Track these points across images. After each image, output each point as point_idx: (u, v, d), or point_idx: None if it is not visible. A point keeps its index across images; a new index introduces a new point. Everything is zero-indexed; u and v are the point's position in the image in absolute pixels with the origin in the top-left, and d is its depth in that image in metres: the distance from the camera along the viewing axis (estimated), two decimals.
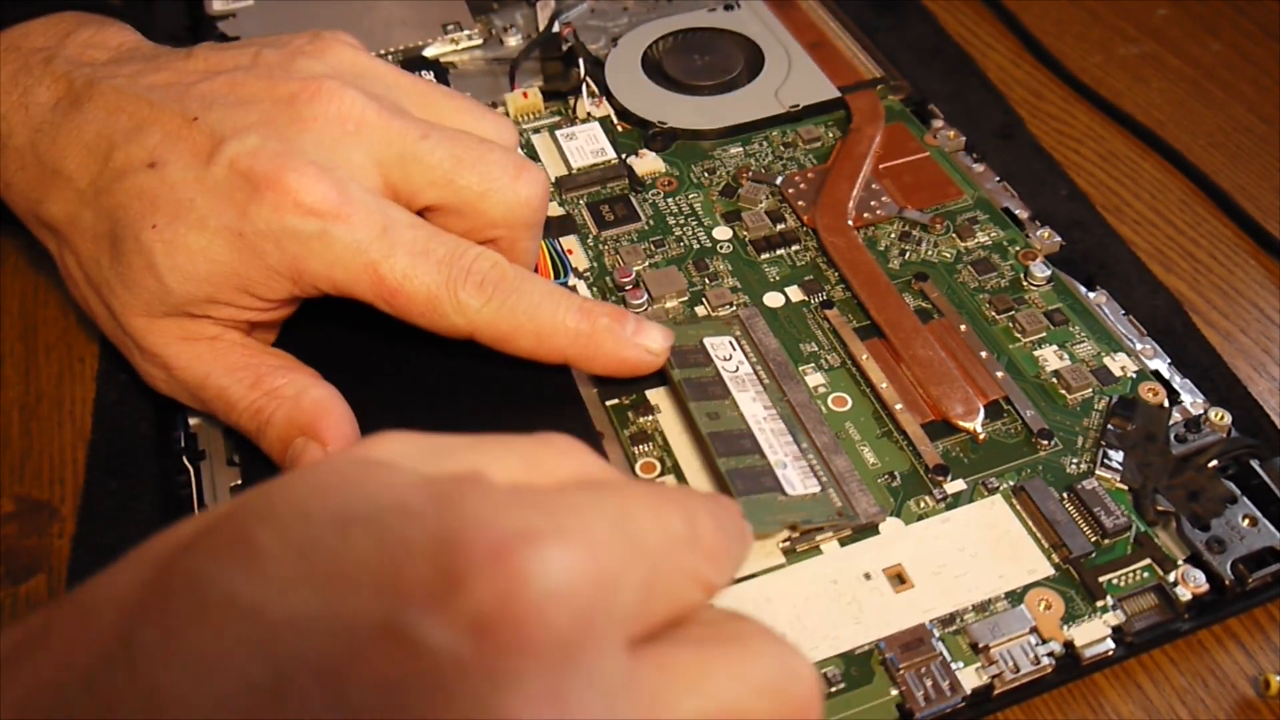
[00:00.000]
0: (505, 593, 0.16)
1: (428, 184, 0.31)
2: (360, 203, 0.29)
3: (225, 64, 0.32)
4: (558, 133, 0.43)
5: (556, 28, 0.47)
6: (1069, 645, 0.28)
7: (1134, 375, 0.34)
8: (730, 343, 0.35)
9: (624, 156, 0.42)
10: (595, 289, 0.37)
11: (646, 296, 0.37)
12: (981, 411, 0.33)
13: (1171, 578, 0.29)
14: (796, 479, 0.31)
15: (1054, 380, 0.34)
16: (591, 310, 0.31)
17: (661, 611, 0.19)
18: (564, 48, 0.46)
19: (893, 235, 0.39)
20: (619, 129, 0.44)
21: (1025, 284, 0.37)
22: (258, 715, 0.16)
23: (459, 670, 0.16)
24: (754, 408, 0.33)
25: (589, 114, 0.44)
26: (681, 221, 0.40)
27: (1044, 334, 0.35)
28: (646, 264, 0.38)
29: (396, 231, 0.30)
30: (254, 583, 0.17)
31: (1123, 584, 0.29)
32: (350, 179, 0.30)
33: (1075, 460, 0.32)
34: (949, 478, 0.31)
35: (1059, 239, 0.39)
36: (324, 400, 0.31)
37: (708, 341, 0.34)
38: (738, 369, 0.33)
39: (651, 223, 0.40)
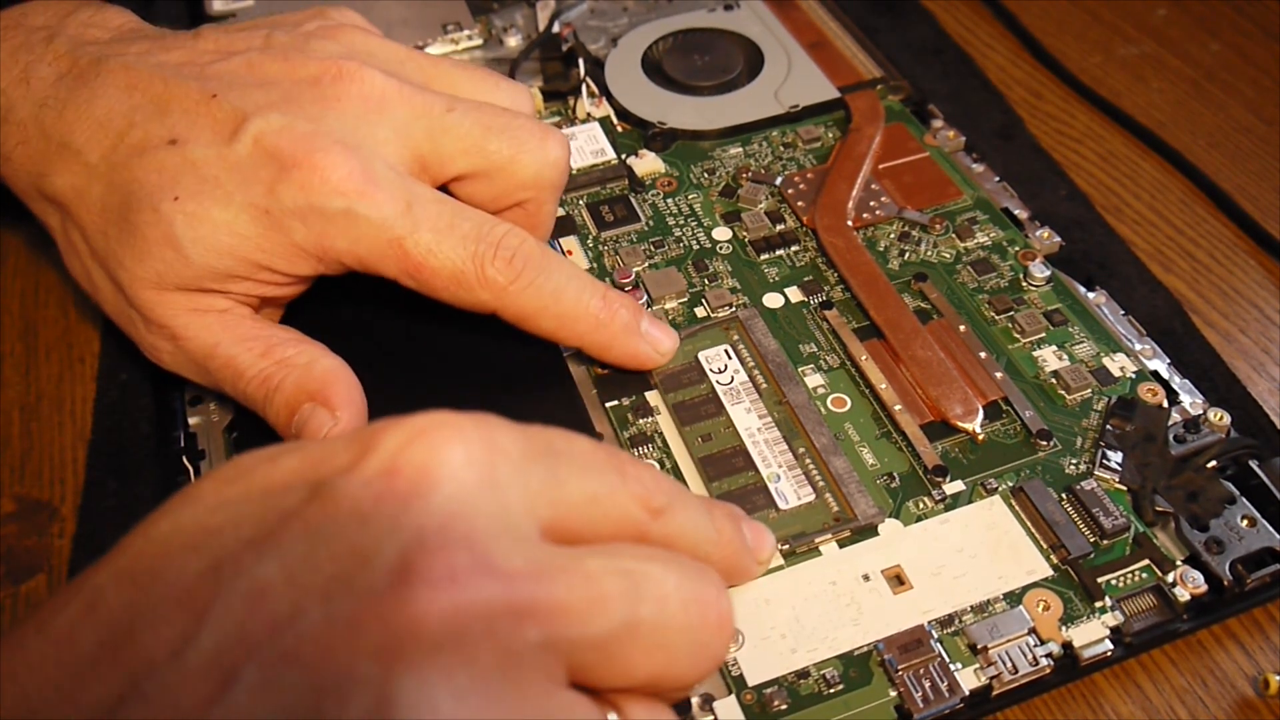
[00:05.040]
0: (406, 443, 0.20)
1: (459, 152, 0.32)
2: (386, 180, 0.30)
3: (237, 45, 0.33)
4: None
5: (556, 28, 0.47)
6: (1068, 646, 0.28)
7: (1133, 376, 0.34)
8: (726, 351, 0.35)
9: (624, 157, 0.42)
10: None
11: (646, 297, 0.37)
12: (980, 412, 0.33)
13: (1170, 578, 0.29)
14: (790, 490, 0.31)
15: (1053, 381, 0.34)
16: (613, 300, 0.32)
17: (576, 493, 0.22)
18: (564, 48, 0.46)
19: (892, 236, 0.39)
20: (619, 129, 0.44)
21: (1024, 284, 0.37)
22: (199, 596, 0.18)
23: (373, 502, 0.19)
24: (748, 419, 0.33)
25: (589, 114, 0.44)
26: (681, 222, 0.40)
27: (1043, 334, 0.35)
28: (646, 265, 0.38)
29: (422, 207, 0.30)
30: (192, 509, 0.20)
31: (1122, 585, 0.29)
32: (376, 156, 0.30)
33: (1074, 461, 0.32)
34: (948, 478, 0.31)
35: (1058, 239, 0.39)
36: (335, 369, 0.31)
37: (702, 356, 0.34)
38: (732, 380, 0.34)
39: (651, 223, 0.40)
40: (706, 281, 0.37)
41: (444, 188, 0.33)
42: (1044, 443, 0.32)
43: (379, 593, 0.18)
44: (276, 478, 0.21)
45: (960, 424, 0.32)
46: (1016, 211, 0.40)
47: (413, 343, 0.35)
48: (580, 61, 0.45)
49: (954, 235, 0.39)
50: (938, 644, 0.28)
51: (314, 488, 0.20)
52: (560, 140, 0.33)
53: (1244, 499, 0.30)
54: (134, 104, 0.31)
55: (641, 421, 0.33)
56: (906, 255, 0.38)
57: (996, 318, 0.36)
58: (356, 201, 0.29)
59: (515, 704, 0.18)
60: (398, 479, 0.20)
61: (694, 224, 0.40)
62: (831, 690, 0.27)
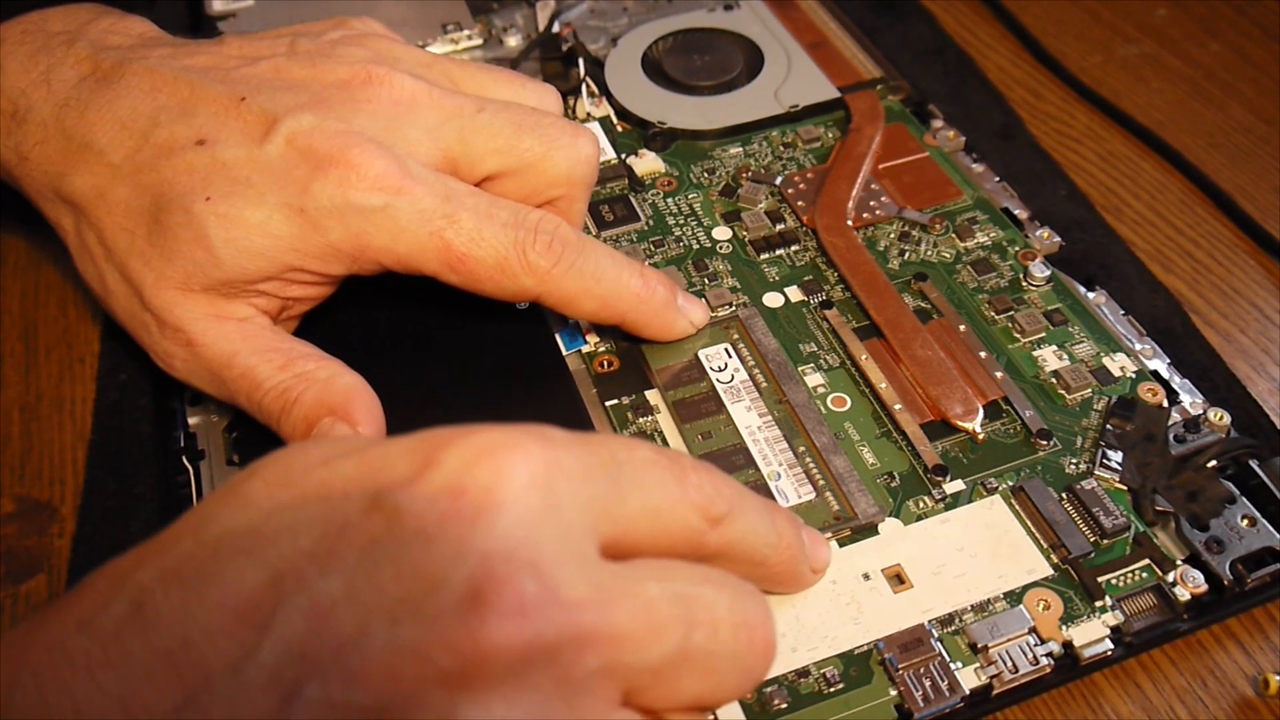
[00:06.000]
0: (472, 462, 0.20)
1: (490, 151, 0.32)
2: (421, 176, 0.30)
3: (263, 51, 0.33)
4: None
5: (556, 28, 0.47)
6: (1068, 645, 0.28)
7: (1133, 375, 0.34)
8: (726, 350, 0.35)
9: (624, 156, 0.42)
10: None
11: None
12: (980, 411, 0.33)
13: (1170, 578, 0.29)
14: (790, 489, 0.31)
15: (1053, 380, 0.34)
16: (650, 277, 0.33)
17: (637, 508, 0.22)
18: (564, 48, 0.46)
19: (892, 235, 0.39)
20: (619, 129, 0.44)
21: (1024, 284, 0.37)
22: (259, 608, 0.18)
23: (438, 523, 0.19)
24: (748, 418, 0.33)
25: (589, 114, 0.44)
26: (681, 221, 0.40)
27: (1043, 334, 0.35)
28: (646, 264, 0.38)
29: (459, 200, 0.30)
30: (244, 512, 0.20)
31: (1122, 584, 0.29)
32: (408, 155, 0.30)
33: (1074, 460, 0.32)
34: (948, 478, 0.31)
35: (1058, 239, 0.39)
36: (356, 386, 0.31)
37: (702, 354, 0.34)
38: (732, 378, 0.34)
39: (651, 223, 0.40)
40: (706, 281, 0.37)
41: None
42: (1044, 442, 0.32)
43: (447, 620, 0.18)
44: (334, 484, 0.20)
45: (960, 423, 0.32)
46: (1016, 211, 0.40)
47: (412, 345, 0.35)
48: (580, 61, 0.45)
49: (954, 235, 0.39)
50: (938, 643, 0.28)
51: (373, 498, 0.20)
52: (591, 137, 0.33)
53: (1244, 499, 0.30)
54: (159, 105, 0.31)
55: (642, 420, 0.33)
56: (906, 255, 0.38)
57: (996, 317, 0.36)
58: (395, 197, 0.29)
59: None
60: (463, 499, 0.19)
61: (694, 223, 0.40)
62: (832, 689, 0.27)
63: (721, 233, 0.39)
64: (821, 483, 0.31)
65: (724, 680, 0.21)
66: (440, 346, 0.35)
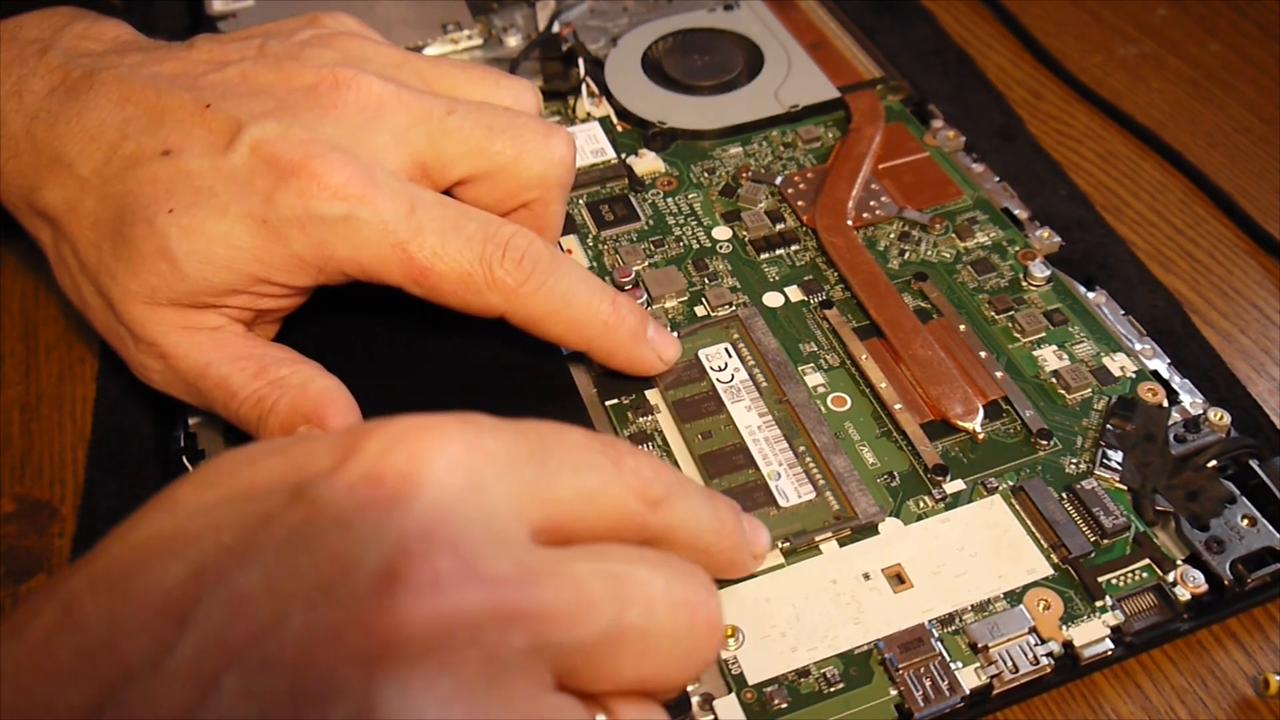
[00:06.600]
0: (391, 449, 0.20)
1: (460, 155, 0.31)
2: (387, 184, 0.29)
3: (231, 55, 0.32)
4: None
5: (556, 28, 0.47)
6: (1068, 645, 0.28)
7: (1133, 375, 0.34)
8: (726, 349, 0.35)
9: (624, 156, 0.42)
10: None
11: (646, 296, 0.37)
12: (981, 411, 0.33)
13: (1170, 578, 0.29)
14: (790, 488, 0.31)
15: (1053, 380, 0.34)
16: (621, 305, 0.32)
17: (569, 492, 0.22)
18: (564, 48, 0.46)
19: (892, 235, 0.39)
20: (619, 129, 0.44)
21: (1024, 284, 0.37)
22: (179, 603, 0.18)
23: (356, 509, 0.19)
24: (748, 417, 0.33)
25: (589, 114, 0.44)
26: (681, 221, 0.40)
27: (1043, 334, 0.35)
28: (646, 264, 0.38)
29: (425, 210, 0.29)
30: (171, 514, 0.20)
31: (1122, 584, 0.29)
32: (375, 163, 0.30)
33: (1074, 460, 0.32)
34: (948, 478, 0.31)
35: (1058, 239, 0.39)
36: (331, 390, 0.31)
37: (702, 354, 0.34)
38: (732, 378, 0.34)
39: (651, 222, 0.40)
40: (706, 280, 0.37)
41: (448, 193, 0.32)
42: (1044, 442, 0.32)
43: (362, 599, 0.18)
44: (257, 481, 0.20)
45: (960, 423, 0.32)
46: (1016, 211, 0.40)
47: (410, 345, 0.35)
48: (580, 61, 0.45)
49: (954, 235, 0.39)
50: (938, 643, 0.28)
51: (294, 490, 0.20)
52: (564, 138, 0.33)
53: (1244, 498, 0.30)
54: (127, 116, 0.31)
55: (642, 420, 0.33)
56: (906, 255, 0.38)
57: (996, 317, 0.36)
58: (358, 207, 0.29)
59: (500, 709, 0.18)
60: (381, 485, 0.19)
61: (694, 223, 0.40)
62: (832, 689, 0.27)
63: (721, 232, 0.39)
64: (822, 482, 0.31)
65: (665, 662, 0.21)
66: (438, 346, 0.35)
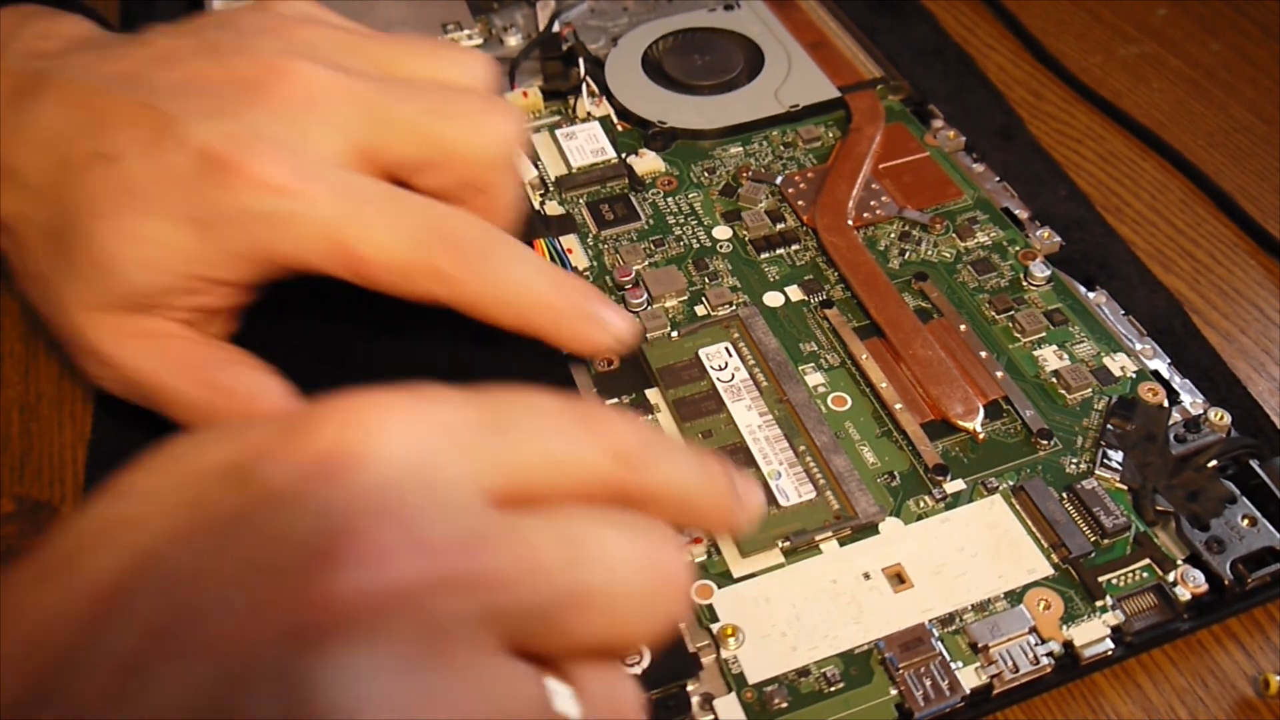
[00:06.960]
0: (336, 425, 0.19)
1: (401, 140, 0.30)
2: (322, 177, 0.29)
3: (178, 50, 0.31)
4: (557, 132, 0.43)
5: (556, 27, 0.47)
6: (1068, 645, 0.28)
7: (1134, 375, 0.34)
8: (726, 349, 0.35)
9: (624, 156, 0.42)
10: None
11: (646, 296, 0.37)
12: (981, 411, 0.33)
13: (1171, 578, 0.29)
14: (790, 488, 0.31)
15: (1053, 380, 0.34)
16: (566, 285, 0.30)
17: (532, 456, 0.21)
18: (564, 47, 0.46)
19: (892, 235, 0.39)
20: (619, 129, 0.44)
21: (1025, 284, 0.37)
22: (119, 593, 0.18)
23: (296, 487, 0.18)
24: (749, 416, 0.33)
25: (589, 113, 0.44)
26: (681, 221, 0.40)
27: (1044, 334, 0.35)
28: (646, 263, 0.38)
29: (362, 201, 0.29)
30: (116, 501, 0.20)
31: (1122, 584, 0.29)
32: (313, 154, 0.29)
33: (1075, 460, 0.32)
34: (948, 477, 0.31)
35: (1059, 239, 0.39)
36: (279, 398, 0.30)
37: (702, 353, 0.34)
38: (733, 377, 0.34)
39: (651, 222, 0.40)
40: (706, 280, 0.37)
41: (405, 183, 0.31)
42: (1044, 442, 0.32)
43: (295, 576, 0.17)
44: (206, 464, 0.20)
45: (961, 423, 0.32)
46: (1016, 211, 0.40)
47: (407, 342, 0.35)
48: (580, 61, 0.45)
49: (954, 235, 0.39)
50: (938, 642, 0.28)
51: (242, 473, 0.19)
52: (505, 112, 0.31)
53: (1244, 498, 0.30)
54: (71, 120, 0.30)
55: (642, 419, 0.33)
56: (907, 255, 0.38)
57: (997, 317, 0.36)
58: (291, 200, 0.28)
59: (442, 679, 0.17)
60: (326, 462, 0.19)
61: (694, 223, 0.40)
62: (832, 688, 0.27)
63: (722, 232, 0.39)
64: (822, 482, 0.31)
65: (628, 620, 0.20)
66: (436, 343, 0.35)
